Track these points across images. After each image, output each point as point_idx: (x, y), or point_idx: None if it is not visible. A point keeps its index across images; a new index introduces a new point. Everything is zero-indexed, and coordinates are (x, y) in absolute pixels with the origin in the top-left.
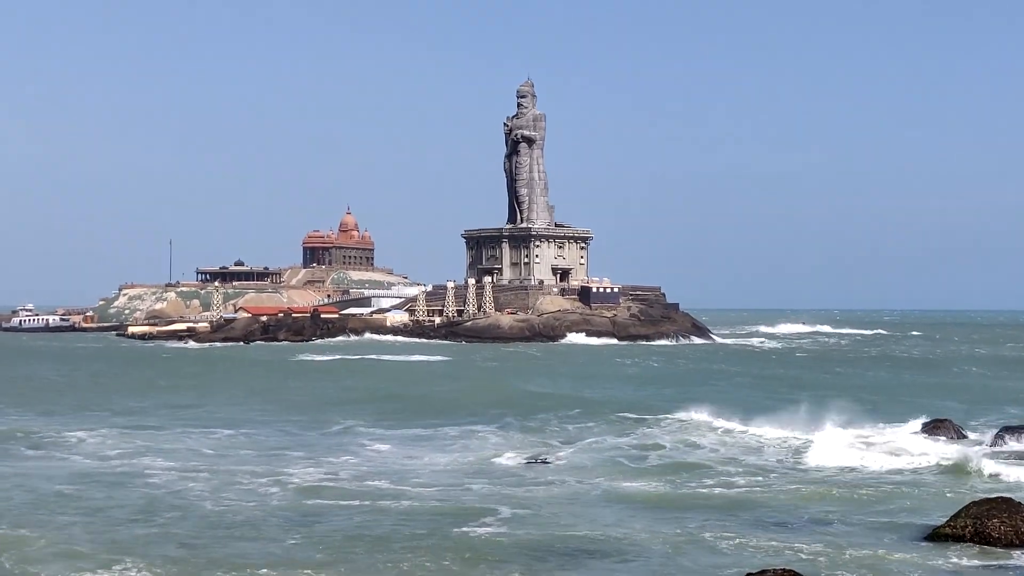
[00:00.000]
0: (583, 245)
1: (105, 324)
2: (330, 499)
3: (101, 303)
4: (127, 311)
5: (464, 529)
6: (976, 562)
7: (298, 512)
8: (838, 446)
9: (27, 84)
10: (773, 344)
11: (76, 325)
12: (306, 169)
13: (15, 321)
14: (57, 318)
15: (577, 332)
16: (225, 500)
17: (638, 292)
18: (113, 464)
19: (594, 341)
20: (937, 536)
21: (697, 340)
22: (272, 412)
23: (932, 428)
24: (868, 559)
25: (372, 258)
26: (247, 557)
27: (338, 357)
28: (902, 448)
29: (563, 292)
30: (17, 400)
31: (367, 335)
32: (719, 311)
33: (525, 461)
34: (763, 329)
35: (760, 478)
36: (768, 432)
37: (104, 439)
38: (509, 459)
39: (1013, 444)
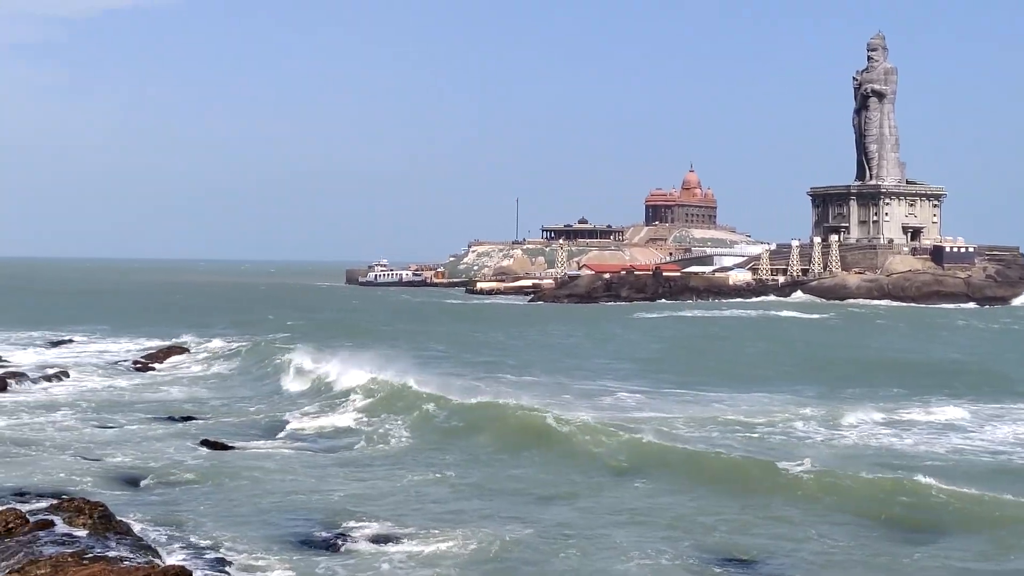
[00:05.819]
0: (936, 203)
1: (454, 280)
2: None
3: (451, 259)
4: (475, 267)
5: None
6: None
7: None
8: None
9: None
10: None
11: (427, 280)
12: (649, 128)
13: (371, 276)
14: (410, 273)
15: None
16: None
17: (994, 252)
18: None
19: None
20: None
21: None
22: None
23: None
24: None
25: (714, 216)
26: None
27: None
28: None
29: (914, 252)
30: None
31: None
32: None
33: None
34: None
35: None
36: None
37: None
38: None
39: None
